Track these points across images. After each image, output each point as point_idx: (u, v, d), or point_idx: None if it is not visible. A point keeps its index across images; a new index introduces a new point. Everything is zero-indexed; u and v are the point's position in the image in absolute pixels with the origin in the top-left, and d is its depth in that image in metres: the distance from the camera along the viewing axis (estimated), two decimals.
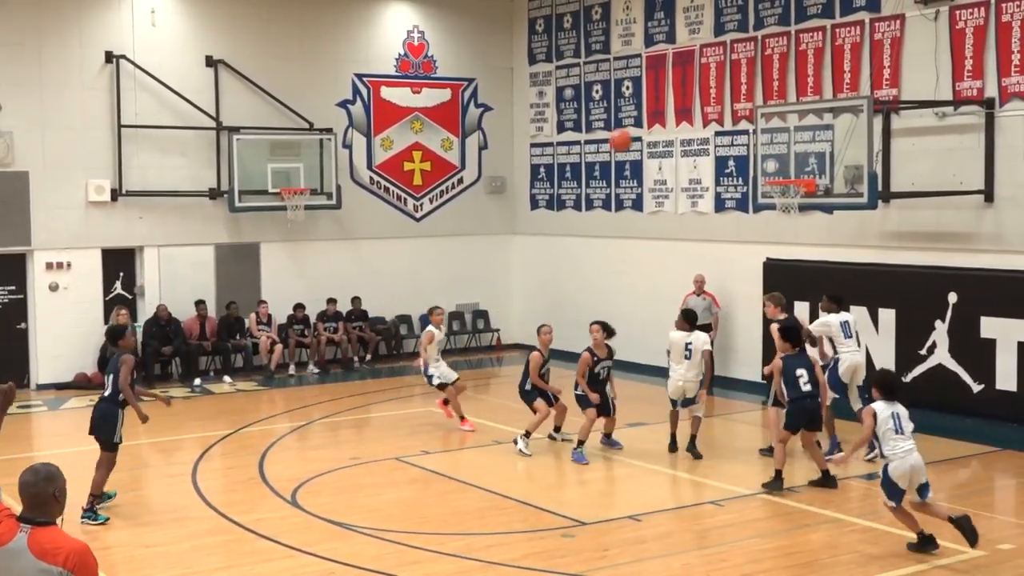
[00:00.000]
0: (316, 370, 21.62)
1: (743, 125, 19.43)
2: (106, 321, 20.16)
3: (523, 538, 11.02)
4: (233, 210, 21.43)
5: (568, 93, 23.33)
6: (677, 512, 12.10)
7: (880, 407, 10.21)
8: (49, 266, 20.23)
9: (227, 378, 20.76)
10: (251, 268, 22.17)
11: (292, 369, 21.44)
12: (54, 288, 20.27)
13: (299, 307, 21.99)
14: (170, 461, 15.15)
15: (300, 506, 12.20)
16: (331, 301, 22.28)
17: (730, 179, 19.80)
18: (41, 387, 20.03)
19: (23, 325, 20.23)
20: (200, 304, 21.19)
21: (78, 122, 20.39)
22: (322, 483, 13.18)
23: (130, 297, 21.06)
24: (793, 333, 12.72)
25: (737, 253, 19.43)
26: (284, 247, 22.36)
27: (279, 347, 21.28)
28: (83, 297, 20.48)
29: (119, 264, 21.04)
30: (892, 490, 10.10)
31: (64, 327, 20.22)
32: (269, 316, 21.63)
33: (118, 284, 21.04)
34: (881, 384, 10.46)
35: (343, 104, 22.96)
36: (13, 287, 20.16)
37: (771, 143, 17.47)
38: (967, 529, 9.97)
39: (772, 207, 17.25)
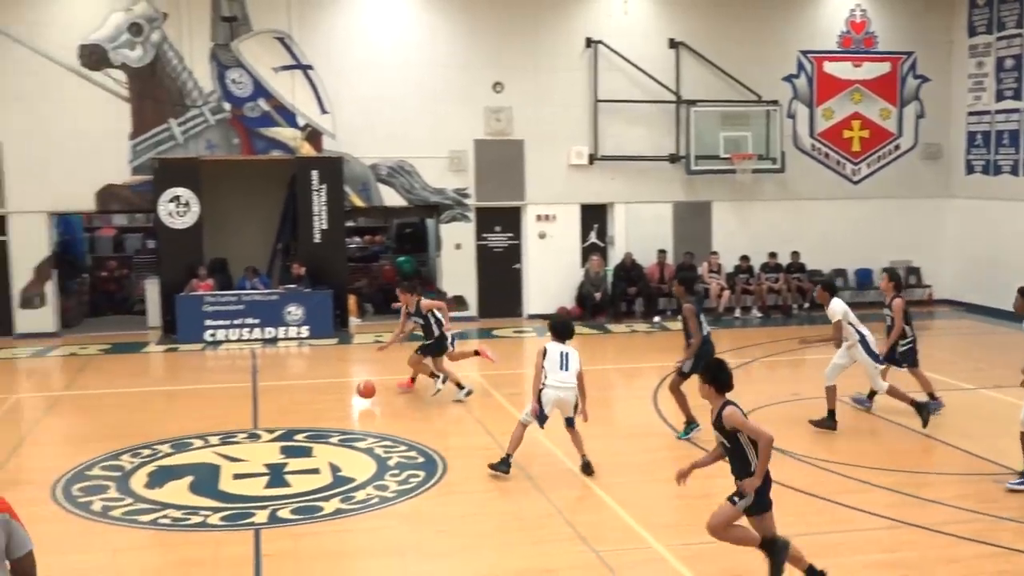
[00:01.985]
0: (759, 314, 21.39)
1: None
2: (583, 265, 21.03)
3: (955, 480, 10.30)
4: (689, 173, 21.51)
5: (1008, 63, 21.26)
6: None
7: None
8: (538, 218, 21.31)
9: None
10: (703, 223, 22.16)
11: (737, 312, 21.32)
12: (542, 236, 21.34)
13: (744, 258, 21.80)
14: (633, 385, 15.52)
15: None
16: (772, 255, 21.91)
17: None
18: (531, 316, 21.22)
19: (518, 265, 21.47)
20: (661, 253, 21.53)
21: (563, 98, 21.17)
22: (764, 414, 12.95)
23: (602, 245, 21.75)
24: None
25: None
26: (732, 205, 22.15)
27: (727, 292, 21.25)
28: (564, 244, 21.41)
29: (594, 217, 21.74)
30: None
31: (549, 268, 21.26)
32: (719, 265, 21.64)
33: (592, 234, 21.78)
34: None
35: (788, 78, 22.27)
36: (511, 234, 21.44)
37: None
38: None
39: None
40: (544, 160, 21.11)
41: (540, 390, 10.29)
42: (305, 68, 20.14)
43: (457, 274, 21.21)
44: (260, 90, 20.04)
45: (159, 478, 10.46)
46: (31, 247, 19.57)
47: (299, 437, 12.04)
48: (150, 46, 19.62)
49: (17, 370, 17.13)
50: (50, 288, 19.79)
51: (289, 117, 20.17)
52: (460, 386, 13.90)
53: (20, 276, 19.59)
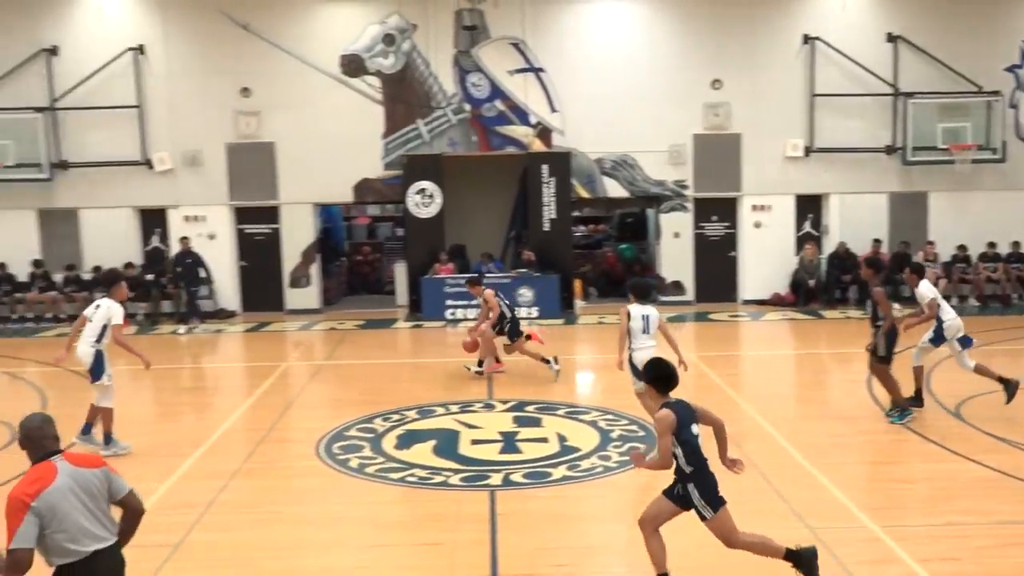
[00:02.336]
0: (976, 303, 20.04)
1: None
2: (797, 253, 20.30)
3: None
4: (905, 163, 20.38)
5: None
6: None
7: None
8: (754, 208, 20.72)
9: (896, 305, 19.85)
10: (919, 213, 20.96)
11: (954, 301, 19.96)
12: (757, 225, 20.74)
13: (961, 247, 20.46)
14: (848, 370, 14.87)
15: (963, 418, 11.35)
16: (991, 244, 20.46)
17: None
18: (746, 302, 20.70)
19: (733, 253, 20.97)
20: (876, 242, 20.50)
21: (779, 93, 20.48)
22: (985, 401, 12.12)
23: (816, 235, 20.94)
24: None
25: None
26: (950, 196, 20.81)
27: (943, 282, 19.95)
28: (779, 233, 20.73)
29: (808, 207, 20.94)
30: None
31: (764, 256, 20.64)
32: (935, 255, 20.39)
33: (807, 224, 20.99)
34: None
35: (1010, 68, 20.68)
36: (727, 224, 20.95)
37: None
38: None
39: None
40: (760, 153, 20.50)
41: (629, 356, 10.04)
42: (537, 71, 20.33)
43: (675, 261, 20.94)
44: (496, 92, 20.39)
45: (406, 440, 10.84)
46: (299, 234, 20.74)
47: (529, 408, 12.19)
48: (401, 54, 20.33)
49: (286, 341, 18.18)
50: (314, 270, 20.93)
51: (522, 116, 20.44)
52: (498, 359, 13.95)
53: (290, 259, 20.81)
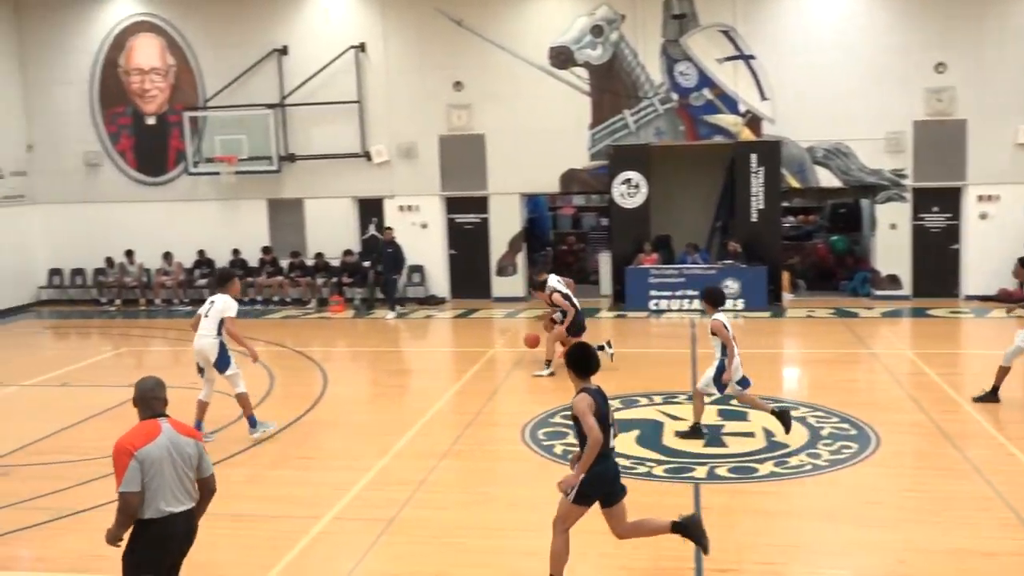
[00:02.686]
0: None
1: None
2: None
3: None
4: None
5: None
6: None
7: None
8: (980, 198, 19.43)
9: None
10: None
11: None
12: (983, 217, 19.45)
13: None
14: None
15: None
16: None
17: None
18: (968, 297, 19.48)
19: (955, 246, 19.76)
20: None
21: (1010, 74, 19.08)
22: None
23: None
24: None
25: None
26: None
27: None
28: (1007, 224, 19.32)
29: None
30: None
31: (990, 250, 19.28)
32: None
33: None
34: None
35: None
36: (949, 215, 19.76)
37: None
38: None
39: None
40: (988, 139, 19.18)
41: (722, 360, 10.08)
42: (747, 58, 19.84)
43: (891, 254, 19.93)
44: (705, 80, 20.05)
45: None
46: (506, 224, 21.13)
47: (735, 402, 11.94)
48: (609, 45, 20.33)
49: (493, 328, 18.59)
50: (520, 259, 21.28)
51: (731, 104, 20.01)
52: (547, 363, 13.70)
53: (497, 248, 21.24)
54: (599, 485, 6.49)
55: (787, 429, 10.26)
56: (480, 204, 21.19)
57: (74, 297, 22.55)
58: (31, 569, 7.67)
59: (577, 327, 13.74)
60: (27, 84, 22.45)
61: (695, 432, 10.45)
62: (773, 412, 10.39)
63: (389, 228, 20.45)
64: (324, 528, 7.98)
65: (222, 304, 10.68)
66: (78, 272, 22.73)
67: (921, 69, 19.32)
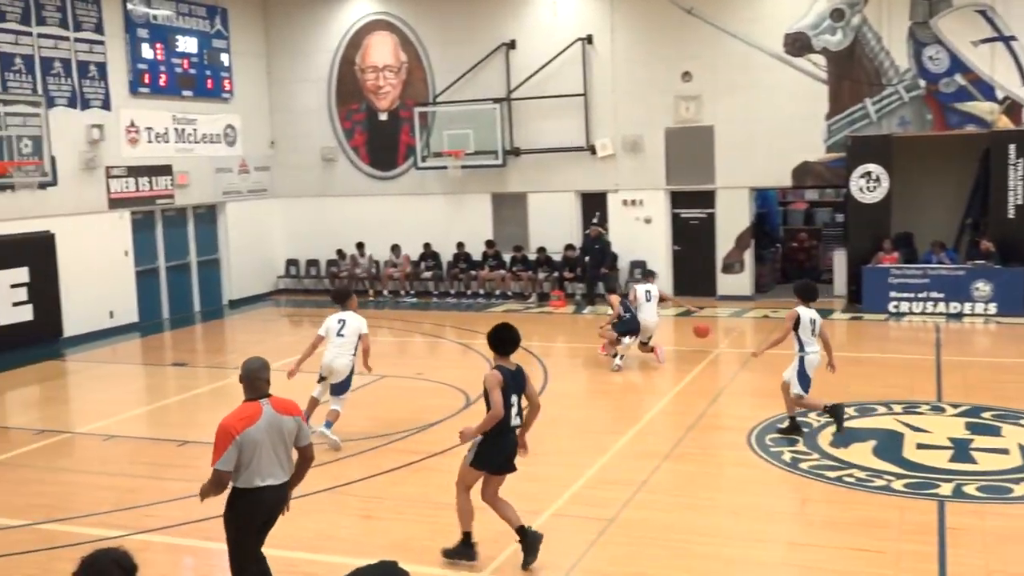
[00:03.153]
0: None
1: None
2: None
3: None
4: None
5: None
6: None
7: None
8: None
9: None
10: None
11: None
12: None
13: None
14: None
15: None
16: None
17: None
18: None
19: None
20: None
21: None
22: None
23: None
24: None
25: None
26: None
27: None
28: None
29: None
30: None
31: None
32: None
33: None
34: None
35: None
36: None
37: None
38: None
39: None
40: None
41: (802, 358, 10.25)
42: (1007, 39, 18.45)
43: None
44: (957, 65, 18.81)
45: (844, 438, 10.36)
46: (733, 219, 20.64)
47: (986, 415, 11.16)
48: (849, 30, 19.43)
49: (719, 328, 18.19)
50: (747, 256, 20.73)
51: (987, 90, 18.67)
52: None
53: (723, 244, 20.78)
54: (495, 455, 7.23)
55: (839, 427, 10.19)
56: (707, 198, 20.80)
57: (308, 287, 23.90)
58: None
59: (624, 328, 14.48)
60: (272, 83, 23.96)
61: (792, 428, 10.60)
62: (826, 408, 10.35)
63: (596, 224, 20.50)
64: (543, 523, 8.03)
65: (356, 323, 10.91)
66: (312, 263, 24.06)
67: None
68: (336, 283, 23.05)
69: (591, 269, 20.52)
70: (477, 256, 22.32)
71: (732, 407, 12.24)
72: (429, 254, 22.71)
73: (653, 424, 11.44)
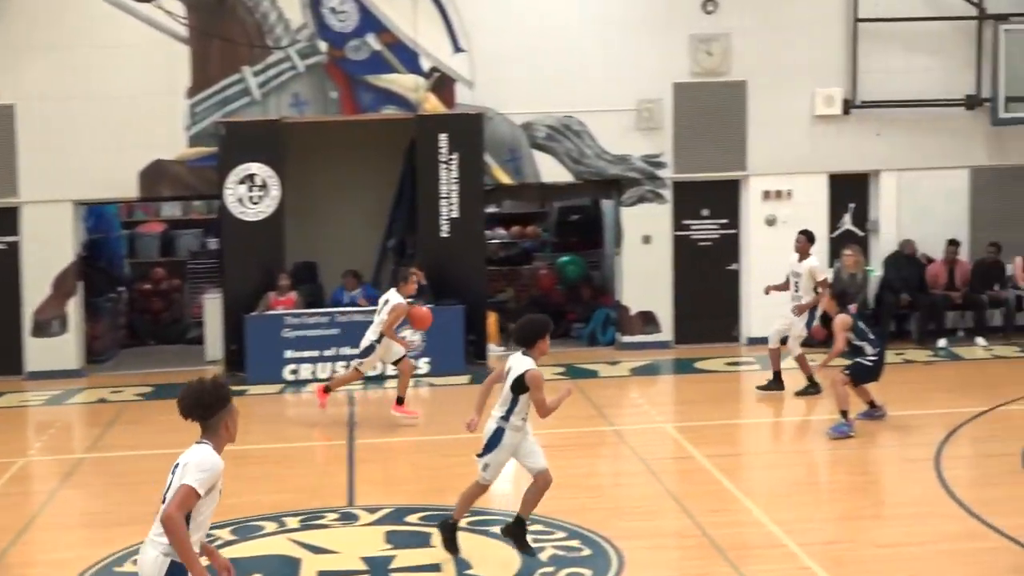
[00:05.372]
0: None
1: None
2: (831, 263, 20.04)
3: None
4: (996, 123, 20.78)
5: None
6: None
7: None
8: (766, 195, 20.83)
9: (980, 340, 20.28)
10: (1019, 198, 21.36)
11: None
12: (771, 222, 20.78)
13: None
14: (908, 442, 14.99)
15: None
16: None
17: None
18: (751, 341, 20.56)
19: (734, 266, 21.12)
20: (951, 245, 20.78)
21: (804, 18, 20.68)
22: None
23: (861, 234, 21.13)
24: None
25: None
26: None
27: None
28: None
29: (849, 192, 21.18)
30: None
31: (780, 268, 20.36)
32: None
33: (847, 218, 21.21)
34: None
35: None
36: (725, 220, 21.07)
37: None
38: None
39: None
40: (776, 110, 20.70)
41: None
42: None
43: (645, 280, 20.93)
44: (369, 21, 20.21)
45: None
46: (49, 251, 20.11)
47: (412, 518, 12.05)
48: None
49: (27, 425, 17.77)
50: (72, 307, 20.31)
51: (409, 59, 20.33)
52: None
53: (33, 292, 20.14)
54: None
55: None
56: (4, 220, 20.08)
57: None
58: None
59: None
60: None
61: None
62: None
63: None
64: None
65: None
66: None
67: (683, 8, 20.56)
68: None
69: None
70: None
71: (43, 546, 12.01)
72: None
73: None
